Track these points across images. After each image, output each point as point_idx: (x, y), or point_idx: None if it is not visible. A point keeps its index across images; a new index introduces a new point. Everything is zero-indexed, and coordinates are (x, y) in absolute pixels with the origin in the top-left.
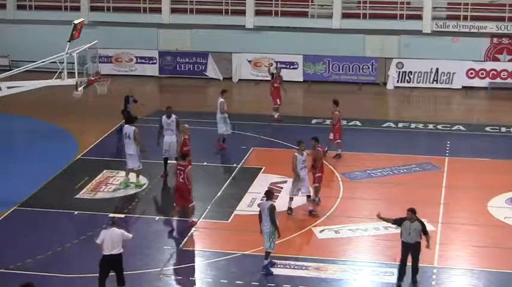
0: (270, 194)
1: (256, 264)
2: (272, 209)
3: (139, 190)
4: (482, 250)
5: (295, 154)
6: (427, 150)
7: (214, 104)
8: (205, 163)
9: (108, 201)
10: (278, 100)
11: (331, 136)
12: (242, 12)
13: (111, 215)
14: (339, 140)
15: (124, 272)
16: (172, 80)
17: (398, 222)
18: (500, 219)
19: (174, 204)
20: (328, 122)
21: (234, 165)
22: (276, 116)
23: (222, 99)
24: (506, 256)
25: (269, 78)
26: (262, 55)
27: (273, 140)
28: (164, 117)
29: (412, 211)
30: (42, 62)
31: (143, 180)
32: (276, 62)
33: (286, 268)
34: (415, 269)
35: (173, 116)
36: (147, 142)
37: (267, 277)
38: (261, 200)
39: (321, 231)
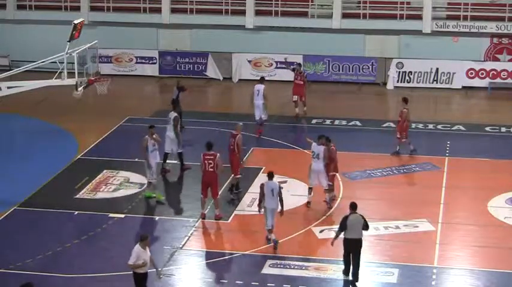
0: (272, 175)
1: (256, 264)
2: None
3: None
4: (482, 250)
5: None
6: (427, 150)
7: (215, 103)
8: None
9: (108, 201)
10: (295, 96)
11: (398, 135)
12: (242, 12)
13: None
14: (404, 139)
15: (125, 273)
16: (172, 80)
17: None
18: (500, 219)
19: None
20: (328, 122)
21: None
22: (297, 111)
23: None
24: (507, 256)
25: (268, 78)
26: (262, 55)
27: (273, 140)
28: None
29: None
30: (42, 62)
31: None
32: (294, 62)
33: (286, 268)
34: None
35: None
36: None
37: (266, 276)
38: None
39: (321, 231)
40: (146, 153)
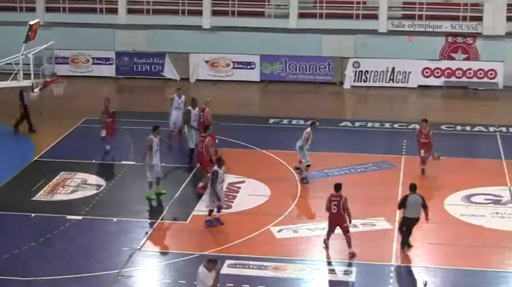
0: (221, 162)
1: None
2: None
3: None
4: (439, 247)
5: (309, 130)
6: (384, 149)
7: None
8: (163, 164)
9: (66, 203)
10: None
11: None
12: (199, 13)
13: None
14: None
15: (83, 275)
16: (130, 81)
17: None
18: (456, 217)
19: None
20: (285, 121)
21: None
22: None
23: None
24: (463, 253)
25: (225, 78)
26: (220, 55)
27: (230, 141)
28: (176, 97)
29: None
30: None
31: (101, 182)
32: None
33: (245, 267)
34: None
35: (183, 97)
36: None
37: (225, 277)
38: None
39: (279, 231)
40: (150, 152)
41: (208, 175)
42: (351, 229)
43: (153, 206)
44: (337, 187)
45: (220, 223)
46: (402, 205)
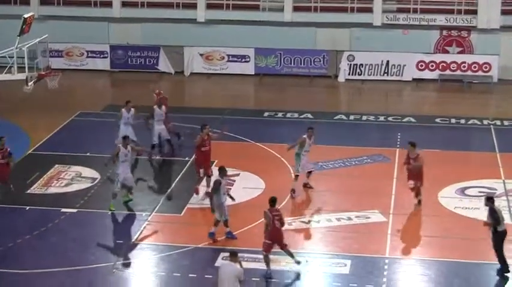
0: (223, 171)
1: (209, 257)
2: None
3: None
4: (433, 240)
5: (304, 136)
6: (378, 142)
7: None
8: (157, 157)
9: (60, 196)
10: None
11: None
12: (193, 6)
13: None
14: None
15: (78, 267)
16: (124, 74)
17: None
18: (450, 209)
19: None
20: (280, 114)
21: (186, 159)
22: None
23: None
24: (457, 245)
25: (220, 71)
26: (214, 49)
27: (225, 133)
28: (124, 111)
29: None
30: None
31: (96, 175)
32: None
33: (239, 260)
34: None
35: (132, 110)
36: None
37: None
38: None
39: None
40: (117, 161)
41: (200, 175)
42: (346, 222)
43: (148, 199)
44: (273, 200)
45: (232, 236)
46: (498, 219)
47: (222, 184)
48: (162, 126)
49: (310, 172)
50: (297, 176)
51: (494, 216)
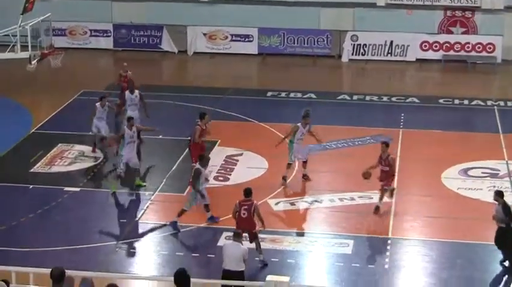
0: (204, 160)
1: (212, 237)
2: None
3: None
4: (436, 220)
5: (298, 124)
6: (381, 122)
7: (170, 77)
8: (160, 136)
9: (63, 175)
10: None
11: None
12: None
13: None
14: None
15: (81, 246)
16: (127, 53)
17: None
18: (453, 190)
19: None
20: (283, 94)
21: (189, 138)
22: None
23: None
24: (459, 226)
25: (223, 51)
26: (217, 28)
27: (228, 113)
28: (98, 105)
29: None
30: None
31: (98, 154)
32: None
33: (243, 240)
34: None
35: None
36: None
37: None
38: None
39: (277, 203)
40: (123, 141)
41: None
42: (348, 202)
43: (151, 178)
44: (248, 192)
45: (214, 220)
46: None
47: (202, 173)
48: (135, 112)
49: (305, 162)
50: (289, 164)
51: (507, 212)
